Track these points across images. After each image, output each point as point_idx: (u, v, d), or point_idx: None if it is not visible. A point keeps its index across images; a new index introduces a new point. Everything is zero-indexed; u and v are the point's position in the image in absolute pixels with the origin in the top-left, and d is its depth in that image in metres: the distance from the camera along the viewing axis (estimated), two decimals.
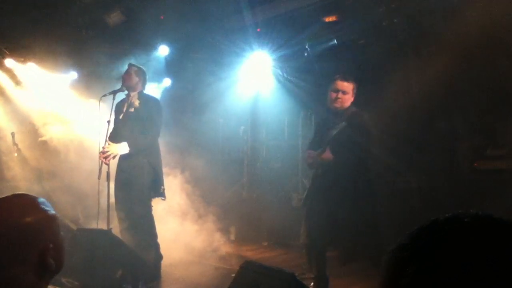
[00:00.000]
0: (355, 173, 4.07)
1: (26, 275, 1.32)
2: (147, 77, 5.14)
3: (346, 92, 4.24)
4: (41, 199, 1.42)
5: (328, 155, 4.09)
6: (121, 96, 5.10)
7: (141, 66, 5.16)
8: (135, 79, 4.98)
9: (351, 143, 4.05)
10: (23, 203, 1.38)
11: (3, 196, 1.38)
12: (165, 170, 5.11)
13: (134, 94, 4.99)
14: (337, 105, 4.25)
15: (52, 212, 1.41)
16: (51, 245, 1.36)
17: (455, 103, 5.51)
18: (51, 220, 1.40)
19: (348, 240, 4.21)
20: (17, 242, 1.31)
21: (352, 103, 4.29)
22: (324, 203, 4.13)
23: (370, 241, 3.96)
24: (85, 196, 5.72)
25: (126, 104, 5.01)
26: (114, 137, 4.95)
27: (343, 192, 3.99)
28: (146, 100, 4.99)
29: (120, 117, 5.02)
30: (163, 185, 4.92)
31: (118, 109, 5.08)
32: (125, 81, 4.99)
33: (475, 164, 5.35)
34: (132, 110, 4.93)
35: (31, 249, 1.33)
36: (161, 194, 4.92)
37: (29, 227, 1.33)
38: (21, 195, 1.42)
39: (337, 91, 4.25)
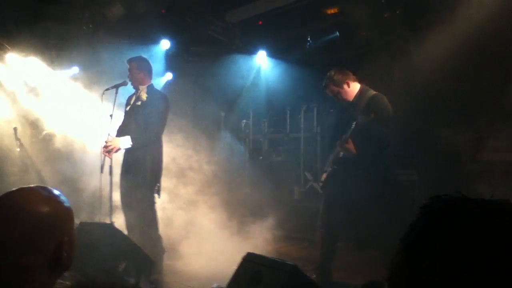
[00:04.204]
0: (375, 161, 4.04)
1: (40, 266, 1.31)
2: (151, 67, 5.08)
3: (334, 94, 4.31)
4: (58, 192, 1.42)
5: (351, 146, 4.02)
6: (132, 89, 5.09)
7: (141, 58, 5.09)
8: (139, 75, 4.92)
9: (371, 131, 3.98)
10: (41, 194, 1.38)
11: (12, 189, 1.38)
12: (165, 163, 5.11)
13: (142, 88, 4.94)
14: (342, 101, 4.33)
15: (68, 205, 1.42)
16: (66, 238, 1.36)
17: (457, 94, 5.50)
18: (68, 213, 1.40)
19: (364, 228, 4.24)
20: (36, 230, 1.31)
21: (363, 87, 4.27)
22: (344, 190, 4.11)
23: (383, 232, 3.94)
24: (88, 190, 5.73)
25: (134, 97, 5.00)
26: (121, 129, 4.96)
27: (363, 179, 3.95)
28: (154, 95, 4.94)
29: (127, 109, 5.02)
30: (159, 182, 4.87)
31: (127, 101, 5.08)
32: (131, 80, 4.96)
33: (477, 155, 5.34)
34: (139, 103, 4.90)
35: (48, 240, 1.33)
36: (155, 191, 4.86)
37: (47, 217, 1.33)
38: (38, 186, 1.42)
39: (333, 97, 4.37)
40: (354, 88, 4.28)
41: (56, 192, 1.42)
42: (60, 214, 1.37)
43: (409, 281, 0.74)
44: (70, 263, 1.39)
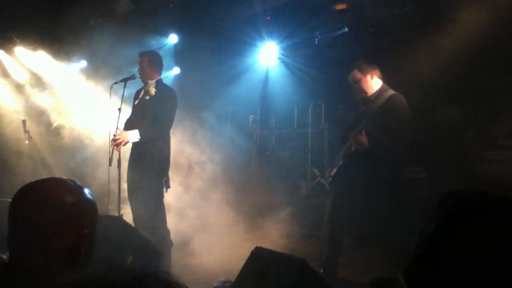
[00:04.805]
0: (385, 159, 4.05)
1: (58, 255, 1.33)
2: (162, 62, 5.09)
3: (356, 81, 4.30)
4: (86, 187, 1.46)
5: (364, 138, 4.03)
6: (140, 83, 5.10)
7: (154, 52, 5.11)
8: (150, 71, 4.93)
9: (384, 128, 4.02)
10: (69, 185, 1.42)
11: (34, 180, 1.42)
12: (172, 157, 5.12)
13: (151, 82, 4.96)
14: (359, 95, 4.33)
15: (93, 199, 1.45)
16: (86, 231, 1.39)
17: (466, 91, 5.47)
18: (92, 207, 1.45)
19: (369, 226, 4.26)
20: (60, 218, 1.34)
21: (385, 86, 4.29)
22: (354, 184, 4.13)
23: (388, 229, 3.95)
24: (96, 183, 5.75)
25: (143, 91, 5.01)
26: (129, 123, 4.97)
27: (373, 173, 3.97)
28: (163, 90, 4.95)
29: (136, 103, 5.04)
30: (166, 176, 4.90)
31: (136, 95, 5.10)
32: (140, 75, 4.97)
33: (486, 154, 5.31)
34: (147, 97, 4.92)
35: (70, 229, 1.36)
36: (163, 185, 4.89)
37: (72, 207, 1.37)
38: (67, 179, 1.46)
39: (351, 84, 4.36)
40: (375, 83, 4.30)
41: (82, 185, 1.46)
42: (84, 206, 1.41)
43: (415, 281, 0.75)
44: (87, 260, 1.41)
